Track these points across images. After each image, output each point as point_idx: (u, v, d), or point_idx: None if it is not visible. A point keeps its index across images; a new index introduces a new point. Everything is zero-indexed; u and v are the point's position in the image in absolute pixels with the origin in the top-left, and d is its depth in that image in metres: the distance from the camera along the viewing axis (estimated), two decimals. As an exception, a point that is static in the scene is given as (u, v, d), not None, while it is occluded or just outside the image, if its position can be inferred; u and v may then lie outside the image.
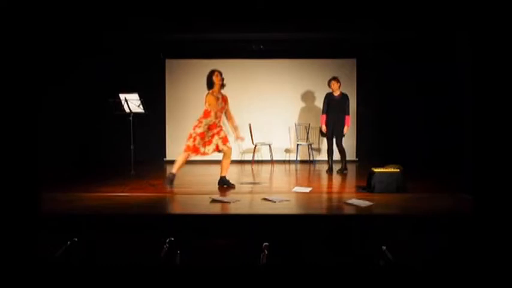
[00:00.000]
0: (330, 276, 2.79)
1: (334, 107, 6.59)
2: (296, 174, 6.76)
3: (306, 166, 7.67)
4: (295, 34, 7.47)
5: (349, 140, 8.46)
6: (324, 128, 6.68)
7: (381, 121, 8.17)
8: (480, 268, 2.66)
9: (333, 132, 6.61)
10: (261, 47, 7.92)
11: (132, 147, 6.47)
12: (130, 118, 6.44)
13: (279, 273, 2.79)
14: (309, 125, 8.12)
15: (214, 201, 4.39)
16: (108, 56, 7.74)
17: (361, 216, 3.90)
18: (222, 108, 5.26)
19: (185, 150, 5.19)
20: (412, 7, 5.59)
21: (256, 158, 8.08)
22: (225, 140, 5.21)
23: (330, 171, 6.68)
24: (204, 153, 5.19)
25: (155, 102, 7.83)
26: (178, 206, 4.60)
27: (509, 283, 2.51)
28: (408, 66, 7.80)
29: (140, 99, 6.28)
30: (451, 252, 3.20)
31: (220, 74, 5.20)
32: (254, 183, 5.85)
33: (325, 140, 8.41)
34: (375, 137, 8.18)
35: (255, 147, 7.82)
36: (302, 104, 8.39)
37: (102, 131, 7.84)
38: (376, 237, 3.40)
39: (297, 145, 7.95)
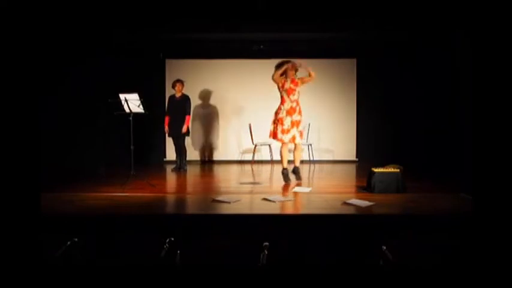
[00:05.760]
0: (330, 276, 2.79)
1: (174, 108, 6.94)
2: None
3: (306, 166, 7.67)
4: (295, 34, 7.47)
5: (349, 140, 8.47)
6: (166, 129, 7.05)
7: (381, 121, 8.16)
8: (480, 268, 2.66)
9: (172, 132, 6.98)
10: (261, 47, 7.91)
11: (132, 147, 6.46)
12: (130, 118, 6.43)
13: (279, 273, 2.79)
14: (309, 125, 8.11)
15: (214, 201, 4.40)
16: (108, 56, 7.74)
17: (361, 216, 3.90)
18: (291, 90, 5.55)
19: (270, 136, 5.69)
20: (413, 7, 5.59)
21: (256, 158, 8.08)
22: (301, 135, 5.56)
23: (176, 169, 7.01)
24: (280, 140, 5.52)
25: (155, 102, 7.82)
26: (178, 206, 4.60)
27: (510, 283, 2.51)
28: (408, 66, 7.79)
29: (140, 99, 6.27)
30: (451, 252, 3.20)
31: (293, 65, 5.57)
32: (254, 183, 5.85)
33: (324, 139, 8.44)
34: (375, 137, 8.17)
35: (255, 147, 7.82)
36: (302, 104, 8.34)
37: (102, 131, 7.83)
38: (376, 237, 3.40)
39: (297, 145, 7.94)
